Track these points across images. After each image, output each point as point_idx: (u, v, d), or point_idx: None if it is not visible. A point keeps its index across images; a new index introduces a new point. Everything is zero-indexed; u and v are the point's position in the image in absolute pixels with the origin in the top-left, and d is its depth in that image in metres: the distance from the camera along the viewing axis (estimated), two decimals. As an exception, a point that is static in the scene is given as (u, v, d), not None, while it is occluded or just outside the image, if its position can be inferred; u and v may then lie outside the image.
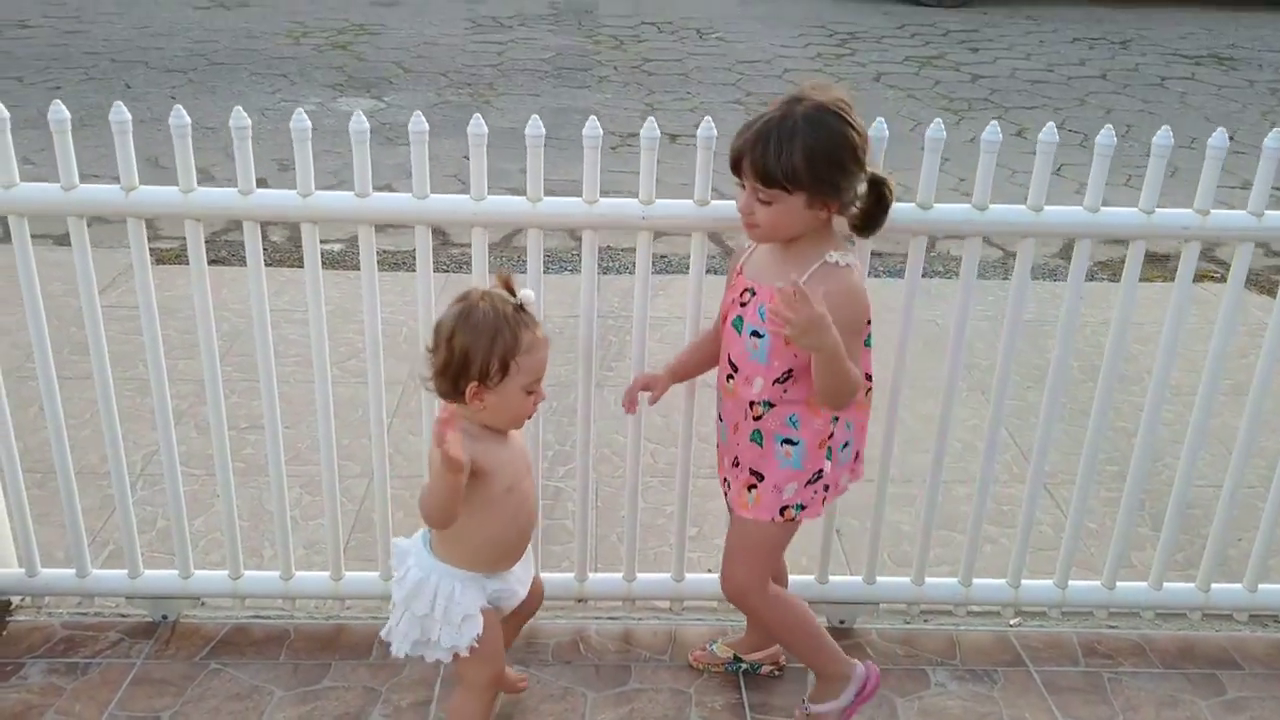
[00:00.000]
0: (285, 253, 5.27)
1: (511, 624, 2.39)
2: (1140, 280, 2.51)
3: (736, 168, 2.08)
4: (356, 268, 4.96)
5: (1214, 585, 2.80)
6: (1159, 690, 2.59)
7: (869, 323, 2.19)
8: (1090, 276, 5.30)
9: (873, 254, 5.39)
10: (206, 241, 5.36)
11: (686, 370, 2.41)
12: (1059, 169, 5.77)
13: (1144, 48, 10.05)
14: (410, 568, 2.14)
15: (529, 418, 2.16)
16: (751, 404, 2.21)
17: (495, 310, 2.02)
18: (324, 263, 4.96)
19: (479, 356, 2.00)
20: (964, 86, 8.49)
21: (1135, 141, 7.01)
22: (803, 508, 2.27)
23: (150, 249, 2.40)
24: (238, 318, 4.29)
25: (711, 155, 2.35)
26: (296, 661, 2.59)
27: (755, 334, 2.16)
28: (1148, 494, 3.43)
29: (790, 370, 2.17)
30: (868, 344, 2.22)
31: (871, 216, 2.16)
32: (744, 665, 2.60)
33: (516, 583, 2.26)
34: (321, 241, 2.42)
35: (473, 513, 2.09)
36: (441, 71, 8.43)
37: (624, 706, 2.49)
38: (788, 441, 2.21)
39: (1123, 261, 2.49)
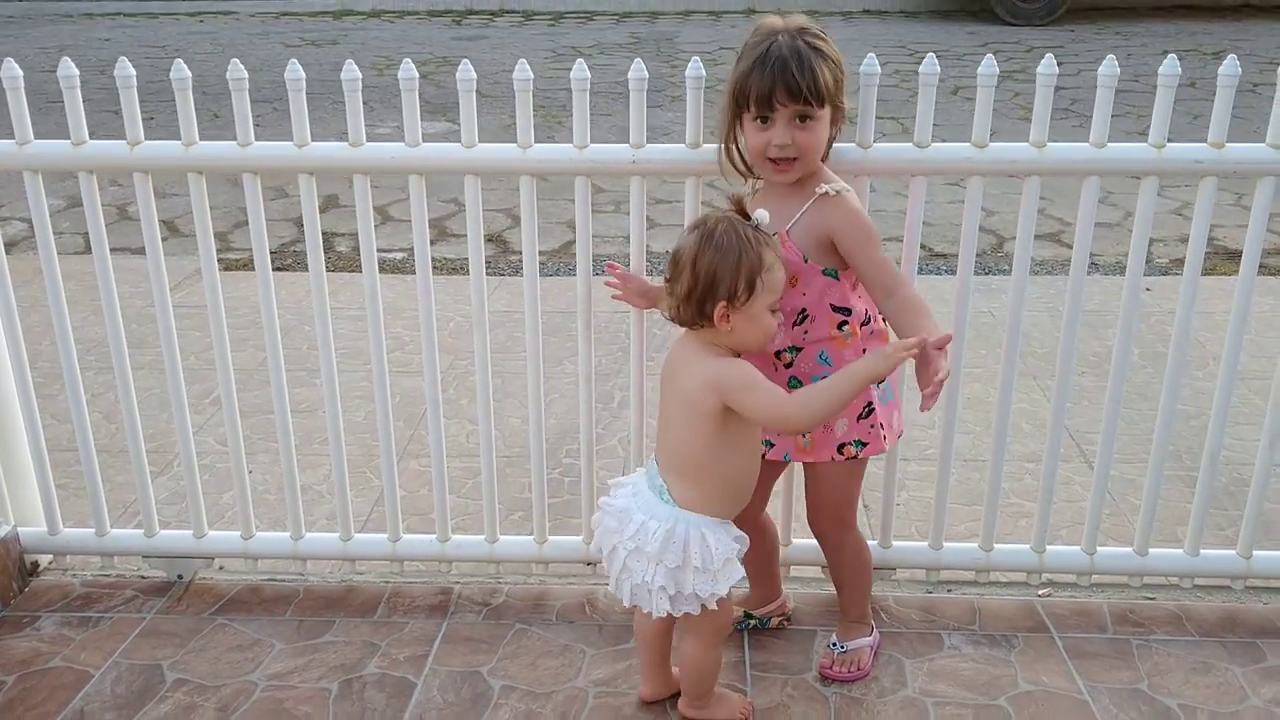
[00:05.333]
0: (349, 260, 5.37)
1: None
2: (1214, 273, 2.43)
3: (766, 102, 2.05)
4: (409, 272, 5.07)
5: (1257, 552, 2.65)
6: (1191, 657, 2.46)
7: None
8: (1164, 271, 5.17)
9: (934, 255, 5.38)
10: (274, 252, 5.57)
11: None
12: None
13: (1239, 58, 9.76)
14: (644, 521, 2.04)
15: (771, 338, 2.09)
16: (778, 354, 2.20)
17: (736, 230, 1.97)
18: (385, 268, 5.12)
19: (726, 277, 1.95)
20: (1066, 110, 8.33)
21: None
22: (863, 444, 2.25)
23: (220, 259, 2.53)
24: (291, 315, 4.40)
25: (701, 97, 2.33)
26: (301, 618, 2.59)
27: None
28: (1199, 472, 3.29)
29: (804, 310, 2.17)
30: None
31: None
32: (753, 621, 2.53)
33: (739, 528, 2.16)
34: (384, 250, 2.46)
35: (726, 447, 2.04)
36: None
37: (622, 662, 2.44)
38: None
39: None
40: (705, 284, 1.96)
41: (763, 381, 2.00)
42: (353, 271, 5.17)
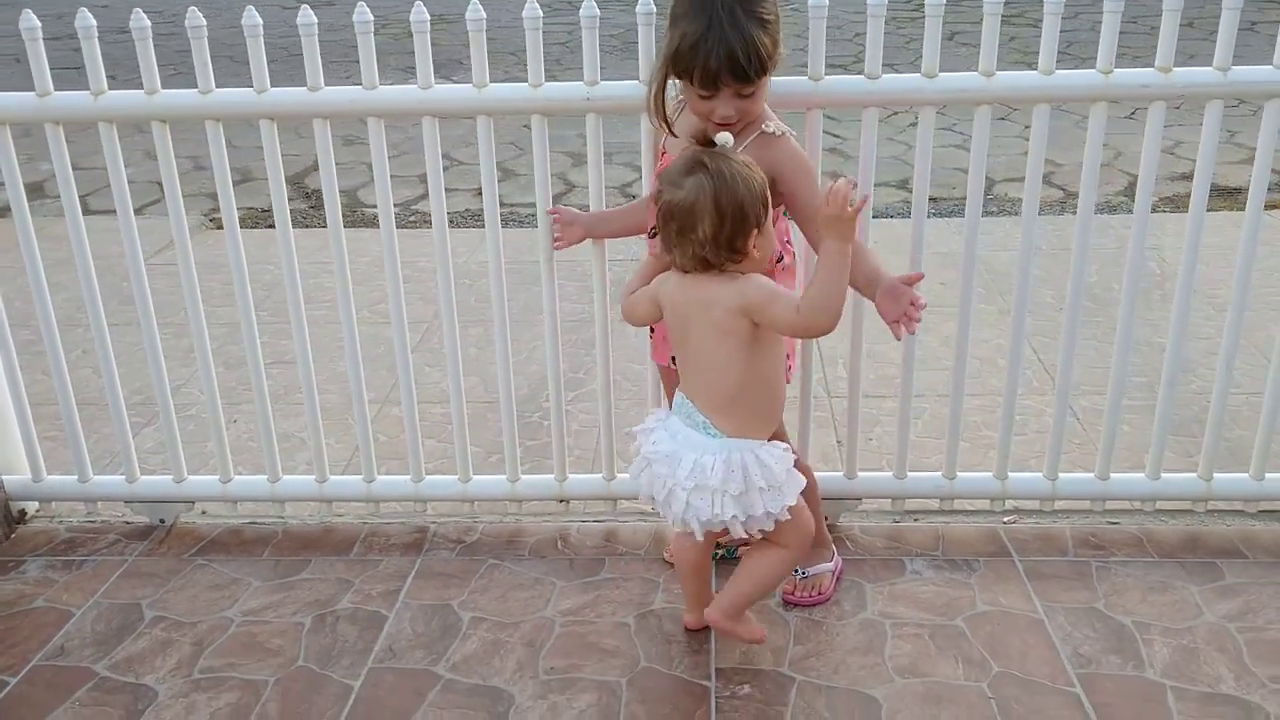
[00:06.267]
0: (345, 217, 5.41)
1: None
2: (1208, 210, 2.46)
3: (711, 84, 2.05)
4: (405, 226, 5.11)
5: (1217, 475, 2.68)
6: (1149, 577, 2.50)
7: None
8: (1154, 209, 5.15)
9: (931, 199, 5.39)
10: (263, 210, 5.61)
11: (605, 228, 2.45)
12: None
13: (1240, -3, 9.67)
14: (697, 459, 2.04)
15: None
16: None
17: (731, 161, 1.99)
18: (377, 222, 5.15)
19: (752, 204, 1.97)
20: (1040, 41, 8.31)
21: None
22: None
23: (211, 218, 2.59)
24: (279, 270, 4.43)
25: (653, 34, 2.35)
26: (278, 558, 2.66)
27: None
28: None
29: None
30: None
31: None
32: (720, 551, 2.58)
33: None
34: (373, 206, 2.50)
35: (761, 365, 2.07)
36: (510, 51, 8.56)
37: (590, 594, 2.49)
38: None
39: (1187, 197, 2.45)
40: (735, 220, 1.96)
41: (781, 290, 2.03)
42: (346, 227, 5.22)
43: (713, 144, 2.02)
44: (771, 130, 2.16)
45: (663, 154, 2.28)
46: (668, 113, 2.21)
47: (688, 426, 2.10)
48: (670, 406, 2.24)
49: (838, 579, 2.49)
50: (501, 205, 5.71)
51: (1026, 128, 2.52)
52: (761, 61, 2.03)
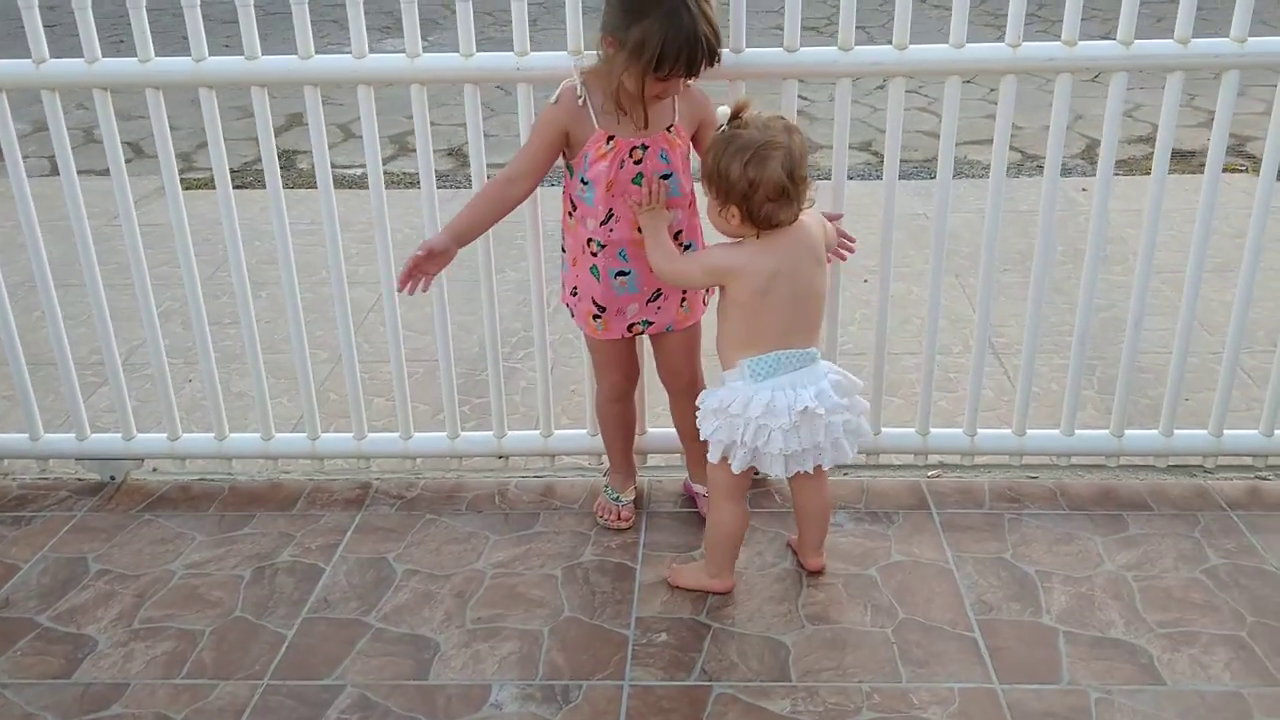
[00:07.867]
0: (309, 177, 5.47)
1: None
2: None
3: (695, 74, 2.20)
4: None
5: (1128, 431, 2.78)
6: (1057, 529, 2.60)
7: None
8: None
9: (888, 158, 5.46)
10: (235, 171, 5.67)
11: (473, 230, 2.41)
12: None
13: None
14: (829, 382, 2.25)
15: None
16: (678, 234, 2.40)
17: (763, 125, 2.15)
18: (345, 184, 5.22)
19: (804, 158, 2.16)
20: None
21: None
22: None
23: (181, 178, 2.69)
24: (247, 231, 4.49)
25: (580, 5, 2.43)
26: (223, 513, 2.75)
27: (665, 176, 2.32)
28: (1100, 360, 3.42)
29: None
30: None
31: None
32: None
33: None
34: (345, 166, 2.57)
35: None
36: (487, 12, 8.55)
37: (522, 546, 2.59)
38: None
39: (1144, 160, 2.53)
40: (801, 165, 2.16)
41: None
42: (311, 188, 5.28)
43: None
44: (689, 85, 2.30)
45: (608, 136, 2.30)
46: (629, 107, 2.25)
47: (799, 368, 2.22)
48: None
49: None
50: (467, 166, 5.79)
51: (991, 90, 2.62)
52: (721, 43, 2.20)
